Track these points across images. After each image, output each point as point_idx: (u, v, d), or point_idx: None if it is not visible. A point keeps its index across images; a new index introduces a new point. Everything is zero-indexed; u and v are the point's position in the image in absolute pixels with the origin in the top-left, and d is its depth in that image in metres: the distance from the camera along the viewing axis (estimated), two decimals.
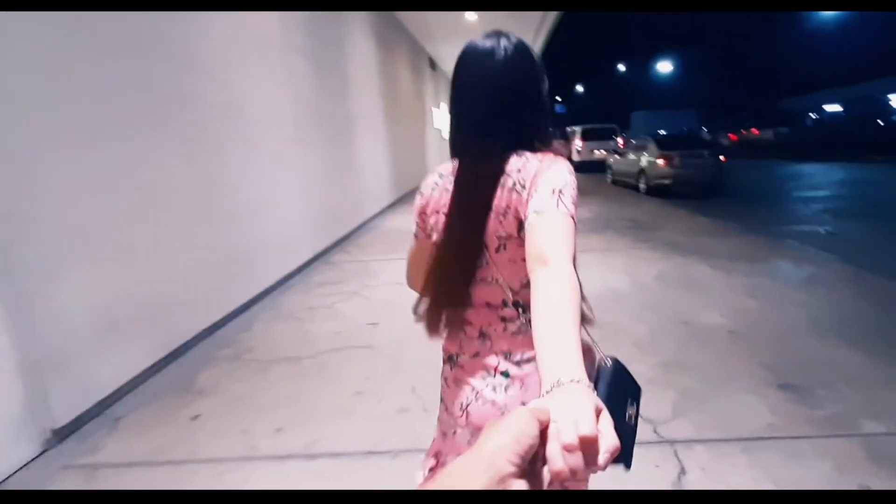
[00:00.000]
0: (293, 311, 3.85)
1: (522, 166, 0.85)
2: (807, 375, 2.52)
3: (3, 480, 1.97)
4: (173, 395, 2.59)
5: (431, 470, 1.01)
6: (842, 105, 25.20)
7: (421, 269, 1.00)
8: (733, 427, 2.12)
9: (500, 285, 0.89)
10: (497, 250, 0.88)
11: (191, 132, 3.35)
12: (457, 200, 0.90)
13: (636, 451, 0.59)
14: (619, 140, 16.18)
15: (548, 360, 0.58)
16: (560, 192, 0.78)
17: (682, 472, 1.86)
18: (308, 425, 2.26)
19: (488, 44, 0.91)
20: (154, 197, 2.93)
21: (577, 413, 0.43)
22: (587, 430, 0.42)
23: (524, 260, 0.77)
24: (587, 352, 0.66)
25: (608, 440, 0.42)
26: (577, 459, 0.40)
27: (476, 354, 0.94)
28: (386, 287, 4.32)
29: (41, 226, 2.19)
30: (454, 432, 0.96)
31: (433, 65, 15.13)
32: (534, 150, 0.89)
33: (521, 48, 0.92)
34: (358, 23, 7.50)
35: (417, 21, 10.65)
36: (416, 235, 1.02)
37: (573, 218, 0.77)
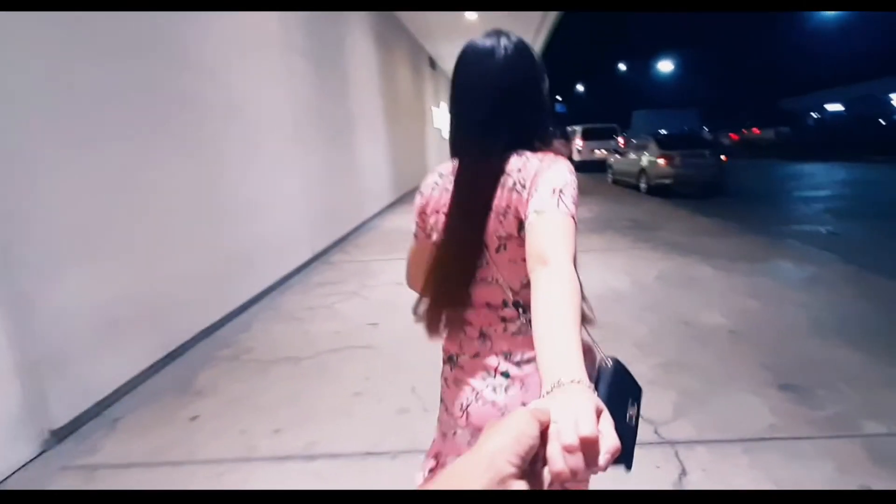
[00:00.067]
0: (292, 312, 3.85)
1: (523, 166, 0.85)
2: (808, 376, 2.51)
3: (2, 481, 1.96)
4: (172, 396, 2.59)
5: (431, 471, 1.01)
6: (843, 104, 25.17)
7: (421, 268, 1.00)
8: (734, 428, 2.11)
9: (500, 285, 0.89)
10: (497, 250, 0.88)
11: (190, 132, 3.34)
12: (457, 200, 0.90)
13: (637, 451, 0.59)
14: (620, 139, 16.16)
15: (548, 360, 0.58)
16: (560, 191, 0.78)
17: (683, 473, 1.85)
18: (307, 426, 2.26)
19: (488, 43, 0.91)
20: (153, 197, 2.93)
21: (578, 414, 0.43)
22: (588, 430, 0.41)
23: (524, 260, 0.77)
24: (588, 352, 0.66)
25: (609, 441, 0.42)
26: (577, 460, 0.40)
27: (476, 355, 0.93)
28: (386, 287, 4.31)
29: (40, 226, 2.19)
30: (454, 433, 0.96)
31: (433, 64, 15.12)
32: (534, 149, 0.88)
33: (522, 47, 0.92)
34: (358, 22, 7.49)
35: (417, 20, 10.65)
36: (415, 235, 1.01)
37: (573, 218, 0.76)
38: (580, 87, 49.28)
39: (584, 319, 0.79)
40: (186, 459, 2.07)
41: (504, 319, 0.91)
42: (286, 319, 3.69)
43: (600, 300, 3.59)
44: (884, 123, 19.50)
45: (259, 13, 4.27)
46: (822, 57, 30.71)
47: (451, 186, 0.92)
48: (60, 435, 2.21)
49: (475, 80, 0.91)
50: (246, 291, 3.93)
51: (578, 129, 18.10)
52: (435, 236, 0.95)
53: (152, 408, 2.48)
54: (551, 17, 11.02)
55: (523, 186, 0.83)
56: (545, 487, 0.41)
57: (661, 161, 10.07)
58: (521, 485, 0.37)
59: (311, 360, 2.97)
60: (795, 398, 2.32)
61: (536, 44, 13.34)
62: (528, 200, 0.81)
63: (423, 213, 0.98)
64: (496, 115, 0.88)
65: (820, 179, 12.48)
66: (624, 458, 0.45)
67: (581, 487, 0.81)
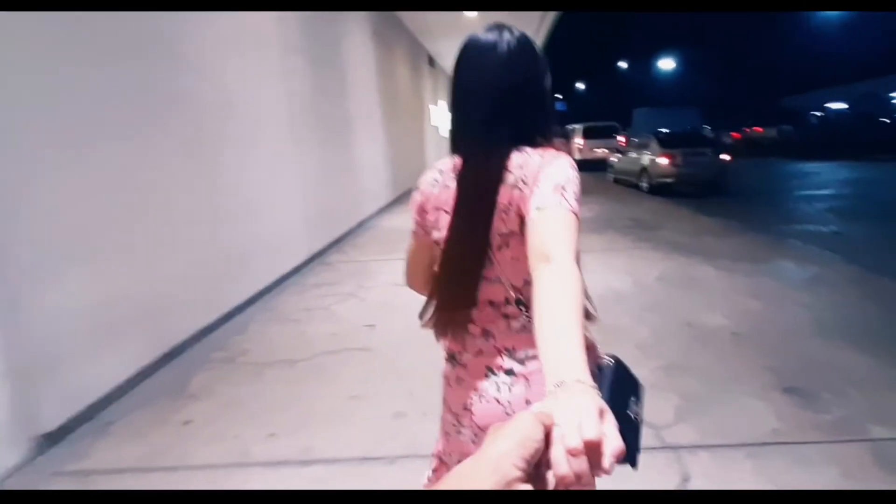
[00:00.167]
0: (289, 313, 3.81)
1: (524, 162, 0.84)
2: (812, 379, 2.48)
3: None
4: (166, 399, 2.55)
5: (435, 471, 1.00)
6: (846, 103, 25.06)
7: (420, 267, 1.01)
8: (737, 432, 2.08)
9: (502, 283, 0.88)
10: (499, 248, 0.87)
11: (187, 131, 3.32)
12: (461, 200, 0.89)
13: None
14: (621, 138, 16.10)
15: (551, 359, 0.57)
16: (562, 188, 0.77)
17: (686, 478, 1.82)
18: (303, 430, 2.22)
19: (490, 37, 0.89)
20: (149, 197, 2.90)
21: (581, 416, 0.42)
22: (591, 433, 0.41)
23: (527, 257, 0.76)
24: (590, 350, 0.65)
25: (613, 443, 0.41)
26: (581, 463, 0.40)
27: (479, 353, 0.93)
28: (383, 288, 4.27)
29: (32, 226, 2.16)
30: (457, 432, 0.96)
31: (432, 62, 15.07)
32: (535, 145, 0.88)
33: (524, 42, 0.90)
34: (356, 20, 7.46)
35: (416, 18, 10.61)
36: (414, 233, 1.00)
37: (576, 214, 0.75)
38: (580, 86, 49.23)
39: (587, 317, 0.79)
40: (179, 465, 2.03)
41: (507, 317, 0.91)
42: (282, 321, 3.66)
43: (601, 301, 3.53)
44: (888, 122, 19.39)
45: (257, 12, 4.23)
46: (824, 55, 30.61)
47: (451, 184, 0.91)
48: (51, 439, 2.18)
49: (476, 75, 0.89)
50: (242, 292, 3.89)
51: (579, 127, 18.05)
52: (435, 234, 0.94)
53: (145, 411, 2.45)
54: (551, 15, 10.98)
55: (525, 183, 0.82)
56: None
57: (662, 160, 10.03)
58: (526, 488, 0.37)
59: (308, 362, 2.93)
60: (799, 402, 2.29)
61: (537, 41, 13.22)
62: (529, 197, 0.80)
63: (422, 211, 0.96)
64: (498, 112, 0.87)
65: (823, 178, 12.43)
66: (629, 457, 0.44)
67: (587, 488, 0.78)
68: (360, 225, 7.34)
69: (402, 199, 9.89)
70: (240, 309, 3.81)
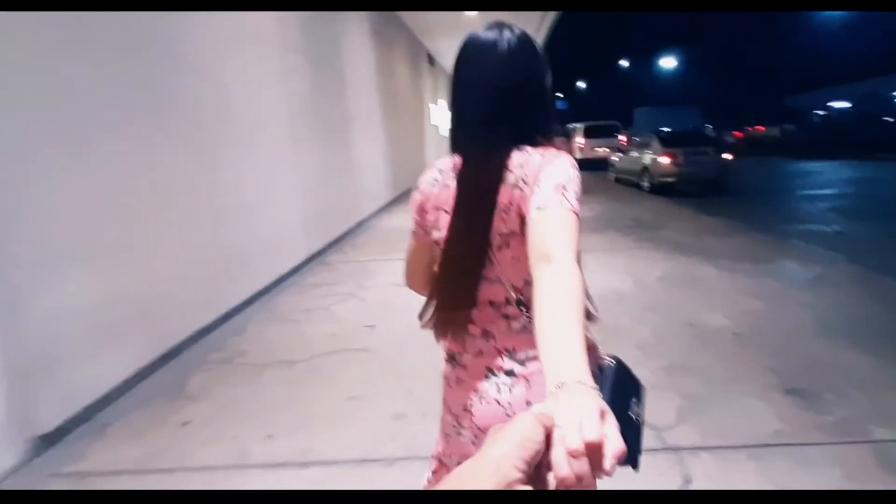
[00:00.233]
0: (288, 313, 3.80)
1: (524, 162, 0.84)
2: (814, 379, 2.46)
3: None
4: (163, 400, 2.54)
5: (434, 472, 1.00)
6: (849, 102, 24.95)
7: (420, 267, 1.00)
8: (739, 434, 2.06)
9: (503, 284, 0.88)
10: (500, 248, 0.87)
11: (186, 131, 3.31)
12: (462, 200, 0.89)
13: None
14: (622, 137, 16.05)
15: (552, 359, 0.56)
16: (563, 187, 0.77)
17: (688, 480, 1.81)
18: (301, 432, 2.21)
19: (490, 36, 0.89)
20: (147, 197, 2.89)
21: (582, 417, 0.42)
22: (592, 435, 0.41)
23: (527, 257, 0.76)
24: (590, 350, 0.64)
25: (614, 444, 0.41)
26: (582, 465, 0.40)
27: (479, 353, 0.92)
28: (383, 288, 4.25)
29: (29, 226, 2.15)
30: (457, 434, 0.95)
31: (432, 60, 15.05)
32: (536, 144, 0.87)
33: (525, 40, 0.90)
34: (355, 19, 7.44)
35: (416, 17, 10.59)
36: (414, 233, 0.99)
37: (577, 214, 0.75)
38: (582, 85, 49.14)
39: (588, 317, 0.78)
40: (177, 466, 2.02)
41: (507, 317, 0.90)
42: (281, 321, 3.64)
43: (601, 301, 3.50)
44: (891, 121, 19.29)
45: (255, 11, 4.22)
46: (826, 54, 30.49)
47: (451, 183, 0.90)
48: (48, 441, 2.16)
49: (476, 74, 0.89)
50: (240, 293, 3.88)
51: (581, 126, 18.00)
52: (435, 234, 0.93)
53: (143, 413, 2.44)
54: (551, 14, 10.94)
55: (525, 182, 0.82)
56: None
57: (664, 159, 9.99)
58: (527, 489, 0.37)
59: (306, 363, 2.92)
60: (802, 403, 2.27)
61: (537, 40, 13.23)
62: (530, 197, 0.80)
63: (422, 210, 0.95)
64: (498, 110, 0.87)
65: (825, 178, 12.38)
66: (631, 458, 0.44)
67: (588, 489, 0.78)
68: (360, 225, 7.32)
69: (401, 198, 9.87)
70: (238, 309, 3.79)
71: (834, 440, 1.99)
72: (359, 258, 5.51)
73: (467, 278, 0.90)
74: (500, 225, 0.85)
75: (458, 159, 0.91)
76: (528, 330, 0.86)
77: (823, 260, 4.68)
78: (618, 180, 12.48)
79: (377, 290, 4.23)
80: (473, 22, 9.95)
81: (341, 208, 6.59)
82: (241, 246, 3.92)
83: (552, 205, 0.75)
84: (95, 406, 2.42)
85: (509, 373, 0.89)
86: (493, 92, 0.87)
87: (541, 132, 0.90)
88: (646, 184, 10.64)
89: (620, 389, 0.64)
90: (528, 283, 0.73)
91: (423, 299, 1.00)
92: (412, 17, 10.68)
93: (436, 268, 0.96)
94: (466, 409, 0.92)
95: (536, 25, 11.61)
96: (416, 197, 0.96)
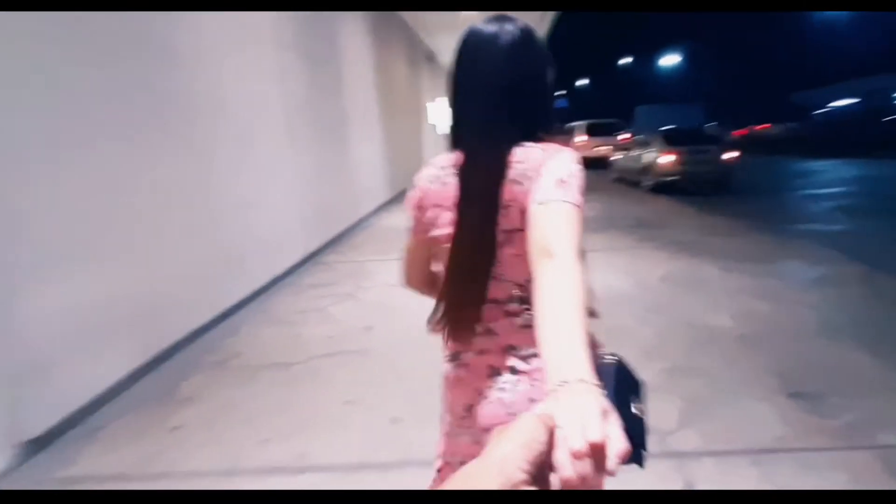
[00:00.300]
0: (283, 315, 3.76)
1: (525, 157, 0.83)
2: (819, 382, 2.41)
3: None
4: (156, 404, 2.50)
5: (439, 471, 0.99)
6: (854, 100, 24.81)
7: (417, 264, 1.00)
8: (742, 438, 2.02)
9: (505, 281, 0.87)
10: (502, 245, 0.86)
11: (182, 131, 3.28)
12: (465, 197, 0.87)
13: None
14: (624, 135, 15.97)
15: (553, 357, 0.56)
16: (565, 182, 0.76)
17: (690, 485, 1.77)
18: (296, 436, 2.17)
19: (491, 29, 0.87)
20: (141, 197, 2.86)
21: (584, 417, 0.42)
22: (595, 435, 0.40)
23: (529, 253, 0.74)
24: (591, 348, 0.61)
25: (617, 444, 0.41)
26: (586, 466, 0.39)
27: (482, 351, 0.91)
28: (381, 289, 4.21)
29: (18, 228, 2.11)
30: (459, 433, 0.94)
31: (430, 58, 14.99)
32: (537, 139, 0.86)
33: (527, 33, 0.88)
34: (352, 17, 7.39)
35: (415, 15, 10.54)
36: (412, 230, 0.98)
37: (579, 208, 0.74)
38: (583, 82, 48.98)
39: (590, 314, 0.75)
40: (169, 472, 1.99)
41: (509, 314, 0.89)
42: (276, 323, 3.60)
43: (603, 301, 3.49)
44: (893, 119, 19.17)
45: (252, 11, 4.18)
46: (829, 52, 30.35)
47: (450, 180, 0.89)
48: (38, 445, 2.13)
49: (477, 69, 0.87)
50: (235, 293, 3.84)
51: (582, 124, 17.90)
52: (434, 231, 0.92)
53: (135, 417, 2.40)
54: (550, 13, 10.88)
55: (527, 178, 0.81)
56: None
57: (666, 157, 9.91)
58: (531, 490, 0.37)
59: (302, 365, 2.88)
60: (806, 406, 2.22)
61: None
62: (531, 192, 0.79)
63: (420, 208, 0.94)
64: (499, 106, 0.86)
65: (830, 176, 12.28)
66: (636, 456, 0.44)
67: (594, 489, 0.75)
68: (358, 224, 7.29)
69: (399, 197, 9.83)
70: (233, 310, 3.75)
71: (839, 445, 1.95)
72: (356, 258, 5.47)
73: (477, 275, 0.88)
74: (502, 221, 0.84)
75: (458, 156, 0.89)
76: (530, 327, 0.85)
77: (828, 259, 4.62)
78: (619, 179, 12.40)
79: (375, 291, 4.19)
80: (472, 19, 9.88)
81: (339, 207, 6.55)
82: (236, 246, 3.88)
83: (554, 199, 0.74)
84: (86, 409, 2.39)
85: (512, 370, 0.88)
86: (494, 87, 0.85)
87: (542, 127, 0.89)
88: (648, 182, 10.56)
89: (622, 387, 0.62)
90: (530, 279, 0.71)
91: (422, 299, 0.98)
92: (410, 15, 10.63)
93: (441, 267, 0.93)
94: (468, 409, 0.91)
95: (537, 22, 11.55)
96: (414, 194, 0.95)
